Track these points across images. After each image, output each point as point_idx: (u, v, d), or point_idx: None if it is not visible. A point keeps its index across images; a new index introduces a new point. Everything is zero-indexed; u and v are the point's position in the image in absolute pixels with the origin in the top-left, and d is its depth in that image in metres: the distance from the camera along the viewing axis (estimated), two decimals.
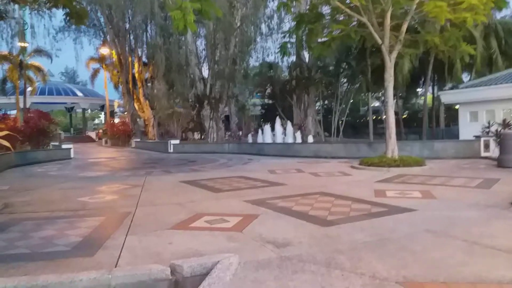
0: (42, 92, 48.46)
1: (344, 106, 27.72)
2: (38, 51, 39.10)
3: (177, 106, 30.45)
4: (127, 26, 30.47)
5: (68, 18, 8.00)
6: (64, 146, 19.09)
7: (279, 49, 13.17)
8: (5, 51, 35.04)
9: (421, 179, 7.88)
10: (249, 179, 8.64)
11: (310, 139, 17.24)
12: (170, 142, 21.42)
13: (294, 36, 12.45)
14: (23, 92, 37.84)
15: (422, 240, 3.76)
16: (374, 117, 34.65)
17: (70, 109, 52.12)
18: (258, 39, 27.05)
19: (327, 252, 3.44)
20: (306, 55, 25.57)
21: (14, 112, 37.08)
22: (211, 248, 3.62)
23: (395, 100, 20.83)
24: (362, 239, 3.82)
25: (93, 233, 4.25)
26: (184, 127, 30.83)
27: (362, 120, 39.82)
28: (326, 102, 33.71)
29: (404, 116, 33.37)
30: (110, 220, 4.90)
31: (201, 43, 27.60)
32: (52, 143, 20.92)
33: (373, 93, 30.65)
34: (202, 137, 29.59)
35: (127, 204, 5.99)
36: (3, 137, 14.48)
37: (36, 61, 40.38)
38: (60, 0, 7.11)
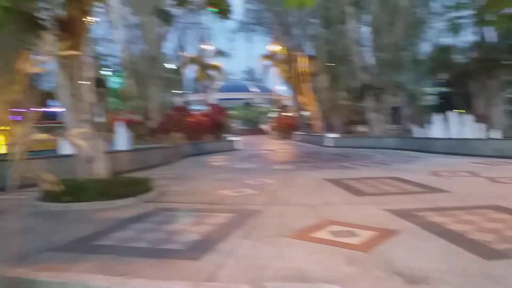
0: (224, 90, 54.77)
1: None
2: (219, 52, 44.10)
3: (341, 98, 29.80)
4: (292, 21, 31.21)
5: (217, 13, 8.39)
6: (232, 138, 20.78)
7: (449, 27, 11.07)
8: (194, 54, 40.69)
9: None
10: (404, 181, 7.46)
11: (495, 134, 14.16)
12: (327, 136, 20.95)
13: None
14: (208, 90, 43.06)
15: None
16: None
17: (247, 104, 57.26)
18: (429, 19, 23.92)
19: None
20: (493, 33, 21.25)
21: (201, 107, 42.67)
22: (321, 270, 3.02)
23: None
24: None
25: (213, 232, 4.16)
26: (347, 120, 29.97)
27: None
28: None
29: None
30: (236, 219, 4.76)
31: (363, 31, 26.10)
32: (225, 135, 23.14)
33: None
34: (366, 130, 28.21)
35: (261, 201, 5.83)
36: (177, 131, 16.47)
37: (216, 61, 45.71)
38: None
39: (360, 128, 30.32)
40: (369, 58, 25.22)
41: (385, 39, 22.68)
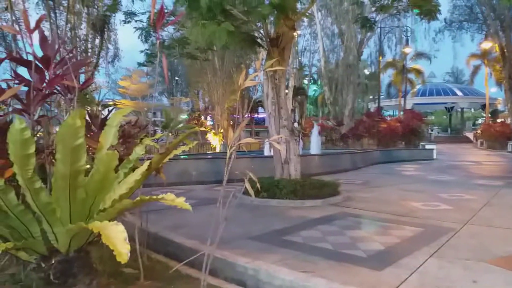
0: (422, 94, 50.99)
1: None
2: (419, 55, 41.28)
3: None
4: None
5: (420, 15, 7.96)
6: (427, 147, 19.18)
7: None
8: (392, 58, 39.37)
9: None
10: None
11: None
12: None
13: None
14: (404, 94, 41.01)
15: None
16: None
17: (450, 109, 51.68)
18: None
19: None
20: None
21: (396, 113, 40.86)
22: None
23: None
24: None
25: (398, 245, 4.04)
26: None
27: None
28: None
29: None
30: (425, 234, 4.48)
31: None
32: (421, 143, 21.52)
33: None
34: None
35: (457, 218, 5.27)
36: (367, 137, 16.28)
37: (416, 64, 42.89)
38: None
39: None
40: None
41: None
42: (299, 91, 27.01)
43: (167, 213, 5.27)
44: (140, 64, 12.49)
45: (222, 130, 19.05)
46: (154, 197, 2.23)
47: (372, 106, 38.67)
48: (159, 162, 2.63)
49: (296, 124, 13.75)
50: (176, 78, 32.84)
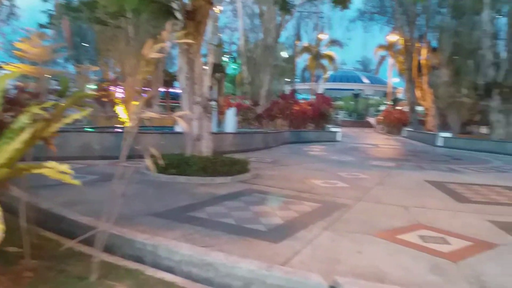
0: (333, 79, 53.99)
1: None
2: (333, 42, 43.39)
3: (461, 95, 27.01)
4: (417, 10, 29.04)
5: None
6: (333, 129, 20.50)
7: None
8: (308, 43, 40.77)
9: None
10: None
11: None
12: (440, 135, 19.28)
13: None
14: (317, 79, 42.74)
15: None
16: None
17: (356, 95, 55.40)
18: None
19: None
20: None
21: (309, 97, 42.66)
22: (400, 274, 2.94)
23: None
24: None
25: (296, 219, 4.28)
26: (466, 119, 27.08)
27: None
28: None
29: None
30: (322, 209, 4.81)
31: (499, 22, 23.03)
32: (328, 126, 22.88)
33: None
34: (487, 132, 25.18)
35: (352, 195, 5.74)
36: (281, 118, 16.74)
37: (330, 51, 45.05)
38: None
39: (480, 130, 27.22)
40: (502, 53, 22.33)
41: None
42: (218, 68, 26.76)
43: (62, 189, 4.86)
44: (41, 26, 11.21)
45: (131, 103, 18.10)
46: (34, 165, 2.04)
47: (288, 89, 40.00)
48: (44, 130, 2.39)
49: (213, 102, 13.70)
50: (85, 44, 30.29)
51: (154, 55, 3.13)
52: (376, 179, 7.45)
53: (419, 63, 29.69)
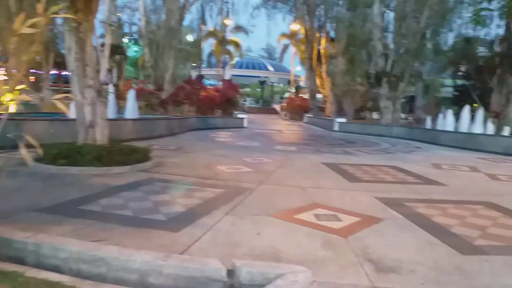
0: (240, 66, 54.43)
1: None
2: (238, 28, 43.53)
3: (356, 83, 29.34)
4: (318, 0, 30.46)
5: None
6: (240, 116, 20.77)
7: (472, 19, 10.77)
8: (213, 28, 40.25)
9: None
10: (402, 171, 7.41)
11: (505, 131, 13.85)
12: (336, 120, 20.80)
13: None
14: (224, 65, 42.61)
15: None
16: None
17: (262, 82, 56.68)
18: (456, 9, 23.03)
19: None
20: None
21: (215, 82, 42.43)
22: (295, 252, 3.06)
23: None
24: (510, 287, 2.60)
25: (199, 206, 4.21)
26: (360, 105, 29.59)
27: None
28: None
29: None
30: (225, 194, 4.81)
31: (388, 16, 25.37)
32: (235, 112, 23.09)
33: None
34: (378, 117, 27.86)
35: (254, 179, 5.85)
36: (187, 103, 16.31)
37: (235, 37, 45.18)
38: None
39: (372, 115, 29.99)
40: (390, 45, 24.61)
41: (408, 26, 22.03)
42: (117, 50, 25.11)
43: None
44: None
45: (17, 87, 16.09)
46: None
47: (194, 74, 39.36)
48: None
49: (111, 86, 12.76)
50: None
51: (27, 30, 2.76)
52: (278, 163, 7.71)
53: (319, 52, 31.36)
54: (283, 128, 22.43)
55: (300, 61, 42.17)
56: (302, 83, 53.50)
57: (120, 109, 13.25)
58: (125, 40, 31.49)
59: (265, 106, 51.10)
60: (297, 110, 34.76)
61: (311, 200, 4.72)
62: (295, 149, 10.81)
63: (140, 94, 18.58)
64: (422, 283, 2.63)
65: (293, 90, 48.79)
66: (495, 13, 17.92)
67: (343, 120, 21.15)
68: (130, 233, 3.28)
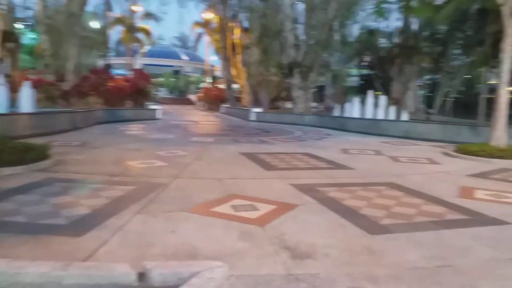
0: (152, 55, 52.02)
1: (455, 81, 24.21)
2: (147, 15, 41.53)
3: (270, 73, 29.93)
4: None
5: None
6: (153, 107, 19.95)
7: (375, 11, 11.51)
8: (119, 14, 37.85)
9: None
10: (314, 157, 7.71)
11: (404, 116, 15.30)
12: (252, 110, 21.09)
13: None
14: (133, 54, 40.42)
15: (507, 276, 2.59)
16: (491, 96, 29.89)
17: (176, 72, 55.02)
18: (361, 1, 24.67)
19: (356, 278, 2.52)
20: (415, 21, 22.66)
21: (125, 72, 40.15)
22: (212, 246, 2.94)
23: None
24: (414, 262, 2.79)
25: (106, 206, 3.86)
26: (274, 95, 30.34)
27: (477, 99, 34.88)
28: (435, 76, 29.98)
29: None
30: (136, 192, 4.49)
31: (299, 7, 26.21)
32: (147, 103, 22.07)
33: (492, 68, 26.20)
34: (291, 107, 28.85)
35: (169, 173, 5.59)
36: (93, 95, 15.27)
37: (145, 24, 43.09)
38: None
39: (286, 105, 31.00)
40: (301, 36, 25.45)
41: (317, 18, 22.97)
42: (9, 37, 22.38)
43: None
44: None
45: None
46: None
47: (101, 63, 36.75)
48: None
49: (2, 76, 11.24)
50: None
51: None
52: (194, 155, 7.50)
53: (233, 42, 31.36)
54: (200, 119, 22.09)
55: (215, 51, 41.77)
56: (218, 73, 53.24)
57: (15, 102, 11.81)
58: (19, 26, 28.22)
59: (180, 97, 49.87)
60: (213, 101, 34.52)
61: (229, 191, 4.63)
62: (212, 140, 10.66)
63: (38, 86, 16.81)
64: (335, 266, 2.70)
65: (210, 80, 48.31)
66: (395, 7, 19.60)
67: (259, 110, 21.51)
68: (24, 242, 2.88)
